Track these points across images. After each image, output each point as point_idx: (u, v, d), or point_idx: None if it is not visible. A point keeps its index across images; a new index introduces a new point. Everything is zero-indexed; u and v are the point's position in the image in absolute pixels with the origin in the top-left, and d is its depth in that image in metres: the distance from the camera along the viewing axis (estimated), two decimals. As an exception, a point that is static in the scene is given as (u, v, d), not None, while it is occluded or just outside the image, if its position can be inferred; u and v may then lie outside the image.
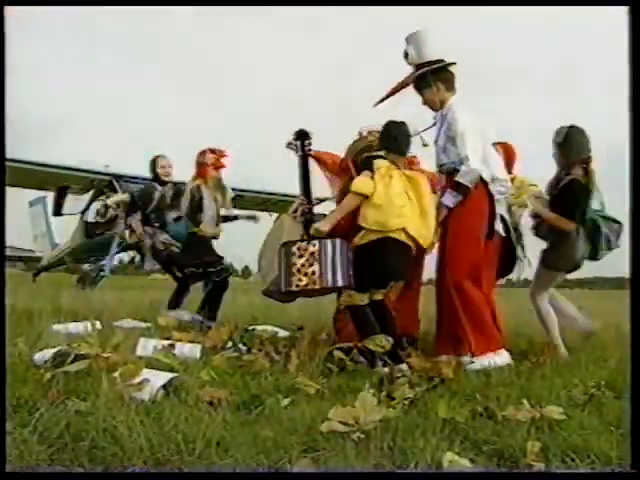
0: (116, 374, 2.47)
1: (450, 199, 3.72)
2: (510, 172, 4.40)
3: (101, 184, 14.92)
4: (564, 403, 2.50)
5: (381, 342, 3.33)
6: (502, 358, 3.61)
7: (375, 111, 4.21)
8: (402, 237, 3.52)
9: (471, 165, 3.65)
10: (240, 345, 3.60)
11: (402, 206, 3.52)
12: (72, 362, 2.71)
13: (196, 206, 5.35)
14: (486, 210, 3.79)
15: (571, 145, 4.00)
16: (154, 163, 5.88)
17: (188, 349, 3.47)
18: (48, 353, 2.95)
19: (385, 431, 2.01)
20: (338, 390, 2.76)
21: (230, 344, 3.67)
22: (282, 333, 4.45)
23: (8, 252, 16.38)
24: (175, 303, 5.62)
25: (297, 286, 3.47)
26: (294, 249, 3.52)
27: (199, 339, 3.86)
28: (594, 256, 4.16)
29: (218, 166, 5.45)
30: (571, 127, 4.03)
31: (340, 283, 3.47)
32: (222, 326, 4.36)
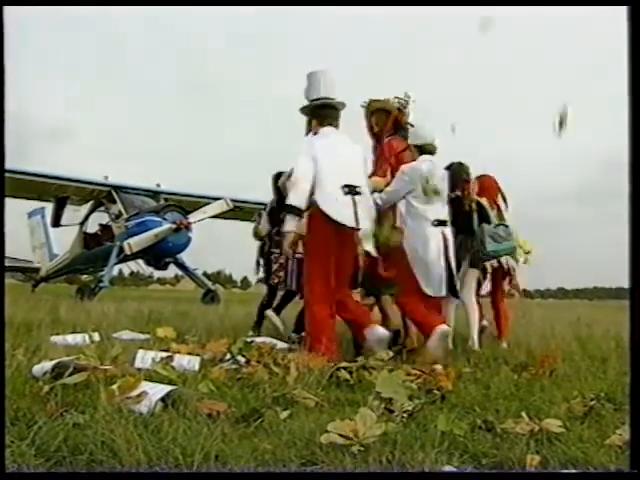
0: (114, 387, 2.47)
1: (287, 223, 4.22)
2: (495, 201, 5.27)
3: (100, 195, 14.96)
4: (563, 415, 2.50)
5: (381, 356, 3.40)
6: None
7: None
8: None
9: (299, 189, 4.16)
10: (239, 357, 3.59)
11: None
12: (71, 374, 2.70)
13: None
14: (325, 228, 4.17)
15: (453, 174, 4.78)
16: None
17: (187, 361, 3.46)
18: (47, 365, 2.95)
19: (384, 444, 2.00)
20: (337, 402, 2.75)
21: (229, 356, 3.65)
22: (281, 345, 4.44)
23: (7, 263, 16.35)
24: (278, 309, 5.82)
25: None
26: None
27: (197, 351, 3.85)
28: (485, 251, 4.89)
29: None
30: (451, 164, 4.86)
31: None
32: (220, 338, 4.36)
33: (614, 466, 1.92)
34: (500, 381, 3.30)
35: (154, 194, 15.34)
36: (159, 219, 13.37)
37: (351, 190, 4.20)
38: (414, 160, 4.58)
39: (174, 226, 13.18)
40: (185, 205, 14.40)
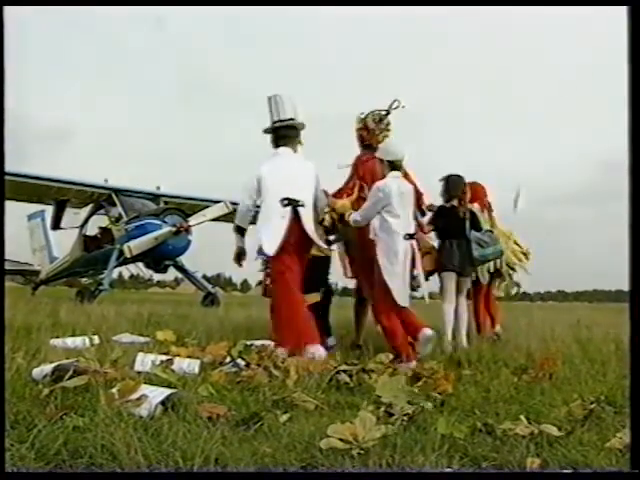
0: (114, 390, 2.47)
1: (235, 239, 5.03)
2: (483, 208, 5.81)
3: (100, 198, 14.95)
4: (563, 418, 2.50)
5: (380, 359, 3.41)
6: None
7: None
8: None
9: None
10: (239, 360, 3.59)
11: None
12: (70, 377, 2.70)
13: None
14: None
15: (450, 186, 5.28)
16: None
17: (187, 364, 3.46)
18: (47, 368, 2.95)
19: (384, 447, 2.00)
20: (337, 405, 2.75)
21: (228, 359, 3.65)
22: (280, 348, 4.43)
23: (7, 265, 16.33)
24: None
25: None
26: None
27: (197, 354, 3.85)
28: (471, 257, 5.25)
29: None
30: (449, 175, 5.33)
31: None
32: (220, 341, 4.36)
33: (615, 469, 1.92)
34: (500, 384, 3.31)
35: (154, 197, 15.32)
36: (159, 222, 13.36)
37: (290, 202, 4.56)
38: (384, 175, 4.75)
39: (174, 229, 13.18)
40: (185, 208, 14.39)
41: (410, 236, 4.63)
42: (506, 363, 4.07)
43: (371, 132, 5.14)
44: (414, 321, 4.57)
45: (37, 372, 2.96)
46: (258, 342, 4.39)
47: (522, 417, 2.37)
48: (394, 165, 4.72)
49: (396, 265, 4.52)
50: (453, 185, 5.27)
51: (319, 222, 4.89)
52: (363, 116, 5.21)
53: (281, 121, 4.78)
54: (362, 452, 1.96)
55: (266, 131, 4.86)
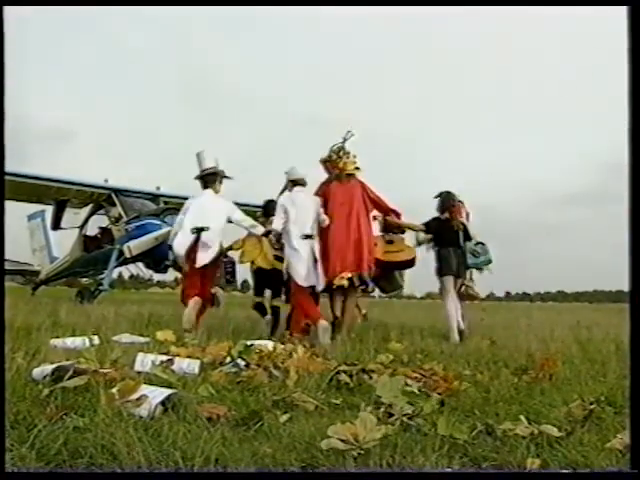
0: (114, 390, 2.47)
1: None
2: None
3: (100, 198, 14.95)
4: (563, 419, 2.50)
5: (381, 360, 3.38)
6: None
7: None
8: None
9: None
10: (239, 360, 3.59)
11: None
12: (70, 377, 2.70)
13: None
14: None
15: (443, 200, 6.61)
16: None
17: (187, 365, 3.46)
18: (47, 368, 2.95)
19: (384, 448, 2.00)
20: (337, 406, 2.75)
21: (229, 359, 3.65)
22: (280, 348, 4.43)
23: (7, 265, 16.33)
24: None
25: None
26: None
27: (197, 354, 3.85)
28: (466, 264, 6.43)
29: None
30: (441, 192, 6.65)
31: None
32: (220, 341, 4.36)
33: (615, 469, 1.92)
34: (500, 384, 3.31)
35: (154, 197, 15.31)
36: (159, 222, 13.36)
37: (198, 230, 6.11)
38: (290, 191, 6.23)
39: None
40: (185, 208, 14.37)
41: (307, 236, 5.95)
42: (506, 363, 4.07)
43: (333, 162, 6.41)
44: (313, 310, 5.90)
45: (37, 372, 2.96)
46: (258, 342, 4.39)
47: (522, 417, 2.37)
48: (296, 182, 6.20)
49: (295, 258, 5.93)
50: (445, 200, 6.58)
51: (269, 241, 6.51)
52: (330, 150, 6.48)
53: (203, 171, 6.37)
54: (362, 452, 1.96)
55: (196, 178, 6.44)
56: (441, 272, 6.38)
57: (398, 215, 6.49)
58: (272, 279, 6.59)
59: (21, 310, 6.64)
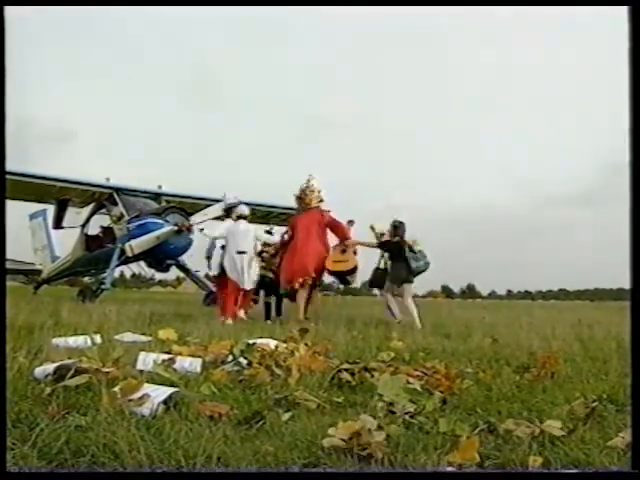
0: (116, 389, 2.47)
1: None
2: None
3: (102, 197, 14.96)
4: (565, 417, 2.49)
5: (382, 357, 3.39)
6: None
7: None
8: None
9: None
10: (241, 359, 3.59)
11: None
12: (72, 376, 2.71)
13: None
14: None
15: (397, 227, 8.63)
16: None
17: (188, 363, 3.46)
18: (48, 367, 2.95)
19: (386, 446, 2.00)
20: (339, 404, 2.75)
21: (230, 358, 3.65)
22: (282, 347, 4.43)
23: (9, 265, 16.35)
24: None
25: None
26: None
27: (199, 353, 3.85)
28: (411, 268, 8.40)
29: None
30: (395, 221, 8.67)
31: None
32: (222, 340, 4.36)
33: (616, 468, 1.92)
34: (502, 382, 3.30)
35: (155, 196, 15.34)
36: (161, 221, 13.38)
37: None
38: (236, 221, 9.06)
39: (176, 228, 13.19)
40: (186, 207, 14.39)
41: (240, 252, 8.62)
42: (508, 361, 4.07)
43: (301, 199, 9.12)
44: (232, 305, 8.54)
45: (39, 371, 2.97)
46: (260, 341, 4.39)
47: (524, 416, 2.37)
48: (240, 216, 8.93)
49: (232, 268, 8.68)
50: (397, 227, 8.57)
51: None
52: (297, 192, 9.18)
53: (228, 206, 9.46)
54: (364, 451, 1.96)
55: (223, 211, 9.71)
56: (400, 282, 8.48)
57: (346, 236, 8.97)
58: (266, 284, 9.36)
59: (23, 309, 6.64)
